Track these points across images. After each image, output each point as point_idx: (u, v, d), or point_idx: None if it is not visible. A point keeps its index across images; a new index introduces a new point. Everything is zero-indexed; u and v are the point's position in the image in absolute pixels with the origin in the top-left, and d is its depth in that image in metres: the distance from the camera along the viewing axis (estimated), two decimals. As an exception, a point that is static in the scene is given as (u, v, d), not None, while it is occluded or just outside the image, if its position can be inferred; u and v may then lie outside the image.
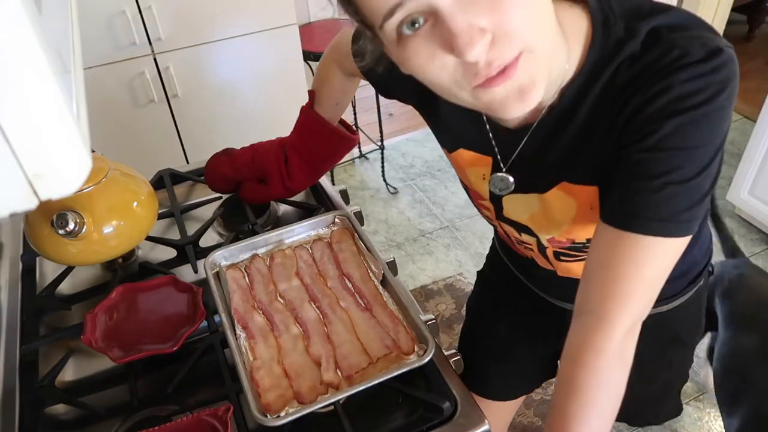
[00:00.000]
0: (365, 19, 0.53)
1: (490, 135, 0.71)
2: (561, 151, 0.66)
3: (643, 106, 0.56)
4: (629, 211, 0.58)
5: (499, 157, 0.72)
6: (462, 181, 0.84)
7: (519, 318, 1.03)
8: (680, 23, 0.57)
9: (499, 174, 0.73)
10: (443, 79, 0.52)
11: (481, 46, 0.48)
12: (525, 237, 0.80)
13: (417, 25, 0.50)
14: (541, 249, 0.81)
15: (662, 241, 0.58)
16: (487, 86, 0.52)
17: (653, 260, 0.59)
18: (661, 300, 0.84)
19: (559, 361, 0.65)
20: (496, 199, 0.77)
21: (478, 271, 1.17)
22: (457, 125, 0.74)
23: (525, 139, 0.67)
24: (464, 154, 0.76)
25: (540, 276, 0.91)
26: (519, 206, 0.75)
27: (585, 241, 0.74)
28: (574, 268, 0.82)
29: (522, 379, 1.09)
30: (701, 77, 0.53)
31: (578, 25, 0.60)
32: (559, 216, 0.71)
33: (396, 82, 0.74)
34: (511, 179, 0.72)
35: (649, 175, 0.57)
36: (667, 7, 0.59)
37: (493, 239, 1.08)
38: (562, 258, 0.81)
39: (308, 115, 1.00)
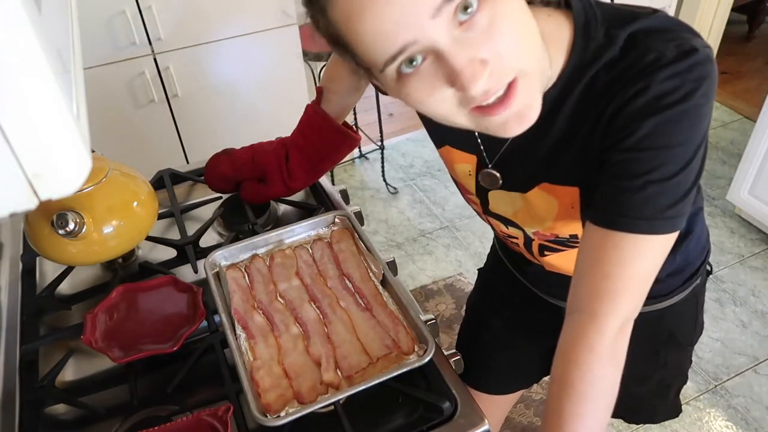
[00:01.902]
0: (363, 62, 0.54)
1: (476, 135, 0.73)
2: (542, 153, 0.67)
3: (622, 108, 0.57)
4: (614, 210, 0.59)
5: (485, 154, 0.74)
6: (451, 175, 0.85)
7: (515, 313, 1.04)
8: (658, 27, 0.58)
9: (487, 170, 0.75)
10: (442, 110, 0.55)
11: (484, 79, 0.50)
12: (512, 230, 0.82)
13: (415, 63, 0.51)
14: (528, 244, 0.83)
15: (648, 239, 0.59)
16: (486, 114, 0.54)
17: (641, 258, 0.60)
18: (655, 297, 0.85)
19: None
20: (483, 194, 0.79)
21: (478, 269, 1.17)
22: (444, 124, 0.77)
23: (509, 140, 0.69)
24: (451, 151, 0.78)
25: (531, 272, 0.93)
26: (503, 202, 0.77)
27: (568, 236, 0.75)
28: (558, 263, 0.83)
29: (517, 375, 1.10)
30: (676, 76, 0.55)
31: (559, 32, 0.61)
32: (542, 213, 0.73)
33: None
34: (498, 175, 0.74)
35: (630, 174, 0.58)
36: (648, 12, 0.60)
37: (494, 237, 1.09)
38: (546, 252, 0.82)
39: (314, 112, 1.01)
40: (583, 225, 0.70)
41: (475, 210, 0.87)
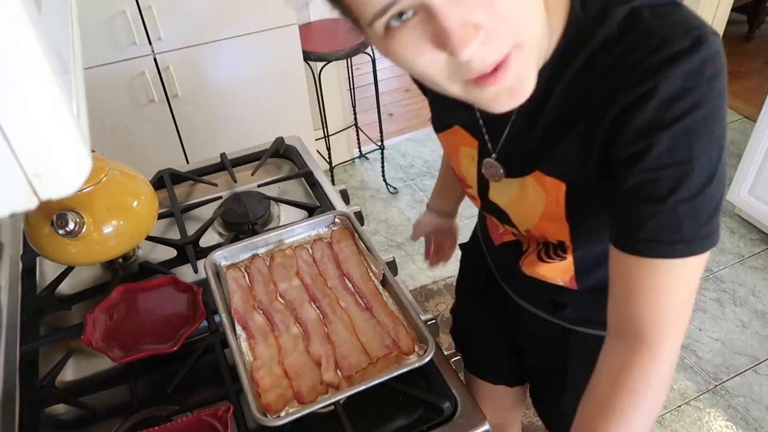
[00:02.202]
0: (353, 15, 0.51)
1: (479, 116, 0.70)
2: (538, 137, 0.64)
3: (629, 111, 0.54)
4: (649, 237, 0.56)
5: (486, 137, 0.71)
6: (452, 167, 0.83)
7: (491, 301, 1.03)
8: (661, 3, 0.54)
9: (489, 160, 0.72)
10: (433, 72, 0.50)
11: (475, 44, 0.46)
12: (507, 228, 0.80)
13: (405, 17, 0.47)
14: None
15: (689, 261, 0.56)
16: (477, 84, 0.50)
17: (685, 280, 0.58)
18: None
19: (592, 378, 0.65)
20: (483, 184, 0.76)
21: (460, 245, 1.17)
22: (453, 102, 0.74)
23: (510, 123, 0.67)
24: (459, 131, 0.75)
25: (507, 270, 0.91)
26: (501, 189, 0.74)
27: (556, 242, 0.73)
28: (544, 272, 0.80)
29: (513, 363, 1.09)
30: (688, 76, 0.50)
31: (557, 3, 0.57)
32: (531, 205, 0.70)
33: None
34: (500, 166, 0.71)
35: (657, 197, 0.54)
36: None
37: (476, 225, 1.08)
38: (542, 256, 0.79)
39: None
40: (571, 229, 0.68)
41: (474, 203, 0.85)
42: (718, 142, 0.54)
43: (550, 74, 0.59)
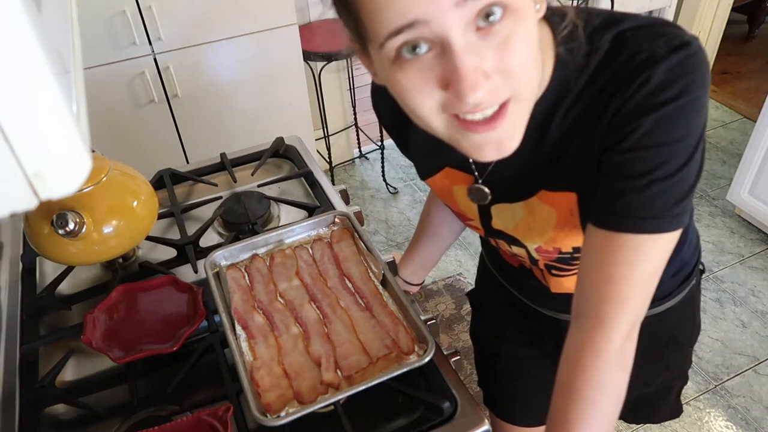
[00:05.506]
0: (364, 32, 0.51)
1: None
2: (538, 163, 0.66)
3: (620, 107, 0.57)
4: (619, 212, 0.58)
5: (476, 174, 0.73)
6: (449, 206, 0.83)
7: (518, 332, 1.00)
8: (642, 24, 0.58)
9: (476, 186, 0.73)
10: (424, 108, 0.52)
11: (483, 90, 0.48)
12: (516, 249, 0.80)
13: (418, 51, 0.49)
14: (533, 262, 0.81)
15: (654, 238, 0.58)
16: (467, 128, 0.52)
17: (647, 258, 0.59)
18: (654, 301, 0.84)
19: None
20: (485, 211, 0.77)
21: (467, 294, 1.14)
22: (439, 146, 0.74)
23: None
24: (451, 172, 0.76)
25: (530, 287, 0.90)
26: (506, 216, 0.75)
27: (571, 250, 0.73)
28: (566, 284, 0.81)
29: (545, 396, 1.06)
30: (671, 70, 0.54)
31: (546, 38, 0.60)
32: (540, 223, 0.71)
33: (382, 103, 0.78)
34: (487, 190, 0.73)
35: (633, 174, 0.57)
36: (625, 15, 0.59)
37: (480, 254, 1.07)
38: (554, 272, 0.80)
39: None
40: (584, 233, 0.68)
41: (478, 233, 0.84)
42: (697, 130, 0.57)
43: (546, 108, 0.62)
